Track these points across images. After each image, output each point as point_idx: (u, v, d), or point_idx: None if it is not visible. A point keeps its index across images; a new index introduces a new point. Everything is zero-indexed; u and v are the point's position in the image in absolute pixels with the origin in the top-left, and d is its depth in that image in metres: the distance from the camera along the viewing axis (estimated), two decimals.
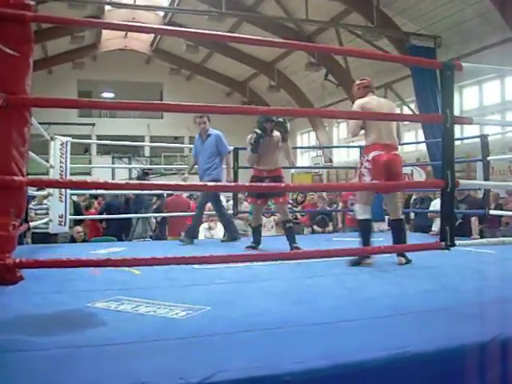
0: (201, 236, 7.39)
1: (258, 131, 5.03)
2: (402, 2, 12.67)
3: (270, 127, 5.09)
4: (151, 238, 8.44)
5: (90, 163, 20.36)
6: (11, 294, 2.47)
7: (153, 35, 19.30)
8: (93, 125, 22.16)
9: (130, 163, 21.10)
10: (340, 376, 1.66)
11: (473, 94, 13.16)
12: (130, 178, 17.64)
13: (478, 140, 6.33)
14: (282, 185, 5.06)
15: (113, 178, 18.50)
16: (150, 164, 21.53)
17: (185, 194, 9.25)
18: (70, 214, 6.18)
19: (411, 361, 1.76)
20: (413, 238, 5.34)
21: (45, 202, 6.50)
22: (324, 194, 9.31)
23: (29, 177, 2.05)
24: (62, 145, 5.68)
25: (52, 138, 5.73)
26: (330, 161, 18.77)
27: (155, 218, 8.71)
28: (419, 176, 13.33)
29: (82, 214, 7.91)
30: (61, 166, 5.63)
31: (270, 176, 5.08)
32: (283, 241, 5.03)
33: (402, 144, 4.52)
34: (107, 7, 16.87)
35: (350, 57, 14.81)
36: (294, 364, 1.65)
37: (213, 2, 13.62)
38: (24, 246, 5.93)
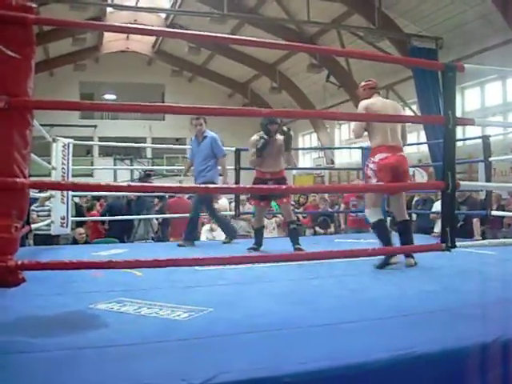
0: (203, 237, 7.40)
1: (265, 137, 5.03)
2: (403, 3, 12.67)
3: (274, 129, 5.08)
4: (153, 239, 8.43)
5: (91, 165, 20.43)
6: (13, 296, 2.48)
7: (155, 37, 19.35)
8: (95, 126, 22.19)
9: (131, 165, 21.16)
10: (342, 377, 1.66)
11: (475, 95, 13.16)
12: (132, 180, 17.67)
13: (479, 141, 6.32)
14: (284, 187, 5.05)
15: (115, 180, 18.57)
16: (152, 165, 21.56)
17: (186, 196, 9.24)
18: (72, 216, 6.19)
19: (413, 362, 1.76)
20: (414, 239, 5.32)
21: (47, 203, 6.51)
22: (326, 195, 9.30)
23: (31, 179, 2.05)
24: (63, 147, 5.69)
25: (54, 140, 5.74)
26: (332, 162, 18.78)
27: (157, 219, 8.71)
28: (421, 177, 13.31)
29: (84, 216, 7.91)
30: (63, 168, 5.64)
31: (274, 178, 5.07)
32: (285, 242, 5.03)
33: (404, 145, 4.50)
34: (109, 9, 16.92)
35: (351, 58, 14.83)
36: (296, 365, 1.65)
37: (214, 3, 13.64)
38: (26, 247, 5.93)
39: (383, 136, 4.03)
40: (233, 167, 6.46)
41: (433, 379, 1.79)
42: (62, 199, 5.63)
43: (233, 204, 7.40)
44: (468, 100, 13.34)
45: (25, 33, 1.95)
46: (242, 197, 7.04)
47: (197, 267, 3.76)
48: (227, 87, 22.60)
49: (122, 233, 8.15)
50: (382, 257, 3.87)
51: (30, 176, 2.03)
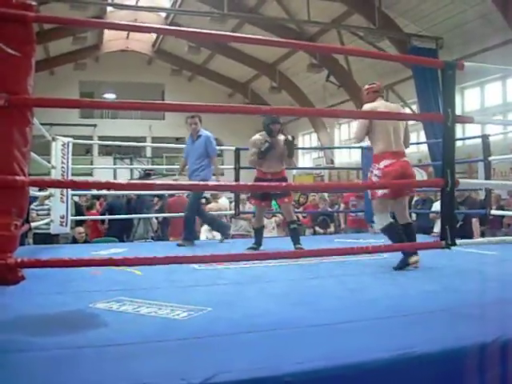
0: (202, 237, 7.40)
1: (270, 140, 5.03)
2: (403, 3, 12.67)
3: (276, 129, 5.09)
4: (153, 238, 8.43)
5: (91, 164, 20.40)
6: (12, 294, 2.47)
7: (155, 36, 19.35)
8: (94, 126, 22.18)
9: (131, 164, 21.11)
10: (341, 377, 1.66)
11: (474, 95, 13.17)
12: (132, 179, 17.65)
13: (479, 141, 6.30)
14: (283, 184, 5.04)
15: (114, 179, 18.50)
16: (152, 165, 21.53)
17: (185, 195, 9.24)
18: (72, 215, 6.18)
19: (413, 362, 1.76)
20: None
21: (46, 202, 6.51)
22: (325, 195, 9.30)
23: (30, 177, 2.05)
24: (63, 146, 5.69)
25: (54, 139, 5.73)
26: (332, 162, 18.78)
27: (157, 218, 8.71)
28: (421, 177, 13.27)
29: (84, 215, 7.91)
30: (62, 167, 5.63)
31: (274, 178, 5.06)
32: (285, 242, 5.03)
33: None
34: (109, 8, 16.91)
35: (351, 58, 14.84)
36: (296, 365, 1.64)
37: (215, 3, 13.63)
38: (25, 246, 5.93)
39: (387, 142, 3.99)
40: (232, 166, 6.46)
41: (432, 379, 1.79)
42: (62, 198, 5.62)
43: (233, 204, 7.40)
44: (468, 100, 13.34)
45: (25, 31, 1.95)
46: (242, 196, 7.03)
47: (196, 267, 3.77)
48: (227, 87, 22.59)
49: (121, 232, 8.16)
50: (401, 258, 3.85)
51: (29, 175, 2.03)
